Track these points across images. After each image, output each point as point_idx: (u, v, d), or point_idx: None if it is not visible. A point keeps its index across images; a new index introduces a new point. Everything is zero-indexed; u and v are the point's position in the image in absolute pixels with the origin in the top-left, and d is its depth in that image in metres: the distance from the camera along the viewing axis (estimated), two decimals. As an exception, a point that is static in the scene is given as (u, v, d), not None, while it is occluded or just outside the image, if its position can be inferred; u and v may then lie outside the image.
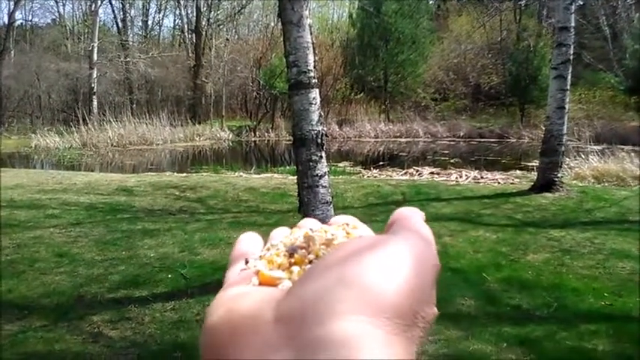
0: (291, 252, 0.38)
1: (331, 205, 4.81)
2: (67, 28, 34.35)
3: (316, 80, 4.95)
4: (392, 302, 0.30)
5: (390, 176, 12.83)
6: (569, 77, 9.25)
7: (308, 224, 0.45)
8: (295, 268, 0.37)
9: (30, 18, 38.24)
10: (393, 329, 0.30)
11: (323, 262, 0.34)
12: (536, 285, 5.02)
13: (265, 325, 0.31)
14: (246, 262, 0.40)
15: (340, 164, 15.83)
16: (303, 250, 0.38)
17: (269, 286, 0.36)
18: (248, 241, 0.45)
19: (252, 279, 0.38)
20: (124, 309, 4.48)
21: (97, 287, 4.98)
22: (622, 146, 14.97)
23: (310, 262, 0.37)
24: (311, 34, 4.96)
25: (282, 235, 0.43)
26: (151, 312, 4.42)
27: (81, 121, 22.05)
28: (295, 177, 5.47)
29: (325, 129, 5.02)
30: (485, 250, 6.07)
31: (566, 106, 9.30)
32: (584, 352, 3.77)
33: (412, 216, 0.39)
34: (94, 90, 24.85)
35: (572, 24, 9.21)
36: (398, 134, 24.87)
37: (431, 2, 35.79)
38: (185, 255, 5.91)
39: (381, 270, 0.31)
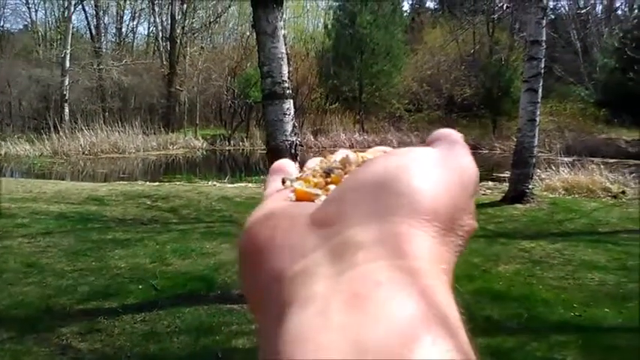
0: (328, 172, 0.38)
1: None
2: (40, 34, 33.88)
3: (290, 91, 4.96)
4: (432, 205, 0.30)
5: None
6: (540, 90, 9.39)
7: (343, 151, 0.44)
8: (332, 187, 0.36)
9: (1, 24, 37.79)
10: (432, 231, 0.29)
11: (359, 171, 0.34)
12: (507, 296, 5.07)
13: (302, 226, 0.31)
14: (283, 182, 0.40)
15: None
16: (340, 170, 0.38)
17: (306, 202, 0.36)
18: (283, 168, 0.44)
19: (289, 195, 0.37)
20: (93, 321, 4.42)
21: (66, 298, 4.89)
22: (592, 158, 15.22)
23: None
24: (285, 44, 4.97)
25: (317, 161, 0.43)
26: (121, 324, 4.36)
27: (52, 129, 21.74)
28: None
29: (300, 139, 5.02)
30: (457, 261, 6.09)
31: (537, 119, 9.44)
32: (554, 362, 3.81)
33: (452, 133, 0.38)
34: (66, 97, 24.52)
35: (544, 38, 9.37)
36: (372, 144, 24.21)
37: (405, 14, 36.14)
38: (156, 265, 5.85)
39: (421, 174, 0.31)
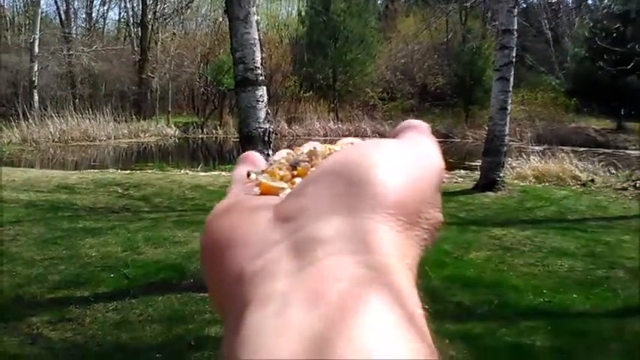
0: (294, 165, 0.37)
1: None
2: (7, 18, 33.15)
3: (263, 77, 4.93)
4: (396, 199, 0.29)
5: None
6: (512, 79, 9.48)
7: (311, 144, 0.43)
8: (298, 180, 0.36)
9: (-33, 8, 36.86)
10: (397, 225, 0.29)
11: (323, 164, 0.33)
12: (478, 282, 5.13)
13: (265, 221, 0.30)
14: (248, 176, 0.39)
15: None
16: (307, 163, 0.37)
17: (271, 195, 0.35)
18: (249, 162, 0.43)
19: (254, 189, 0.37)
20: (64, 309, 4.37)
21: (36, 287, 4.83)
22: (562, 147, 15.40)
23: None
24: (258, 30, 4.95)
25: (284, 153, 0.42)
26: (93, 312, 4.32)
27: (21, 116, 21.30)
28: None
29: (273, 127, 5.01)
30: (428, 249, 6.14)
31: (509, 107, 9.53)
32: (523, 347, 3.87)
33: (419, 124, 0.38)
34: (35, 84, 24.05)
35: (515, 27, 9.44)
36: (347, 133, 24.95)
37: (379, 2, 36.14)
38: (128, 254, 5.79)
39: (386, 167, 0.30)
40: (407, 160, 0.32)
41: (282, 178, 0.37)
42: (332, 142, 0.40)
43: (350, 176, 0.30)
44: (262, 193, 0.36)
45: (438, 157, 0.35)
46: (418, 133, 0.36)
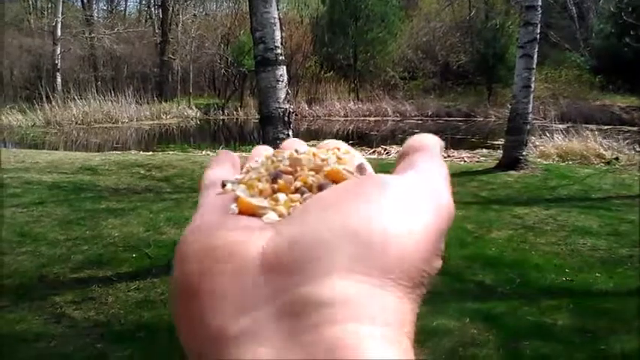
0: (275, 177, 0.33)
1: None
2: (30, 2, 33.39)
3: (283, 57, 4.91)
4: (403, 262, 0.26)
5: (359, 155, 12.81)
6: (536, 56, 9.33)
7: (294, 145, 0.39)
8: (281, 196, 0.32)
9: (-10, -8, 37.16)
10: (399, 291, 0.26)
11: (320, 201, 0.30)
12: (500, 262, 5.10)
13: (248, 269, 0.27)
14: (223, 186, 0.35)
15: (309, 143, 15.73)
16: (289, 176, 0.33)
17: (250, 216, 0.31)
18: (225, 163, 0.39)
19: (231, 206, 0.32)
20: (87, 289, 4.43)
21: (59, 267, 4.90)
22: (586, 125, 15.22)
23: (297, 189, 0.32)
24: (278, 10, 4.92)
25: (263, 156, 0.38)
26: (115, 292, 4.38)
27: (44, 99, 21.51)
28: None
29: (293, 107, 4.99)
30: (450, 228, 6.11)
31: (532, 85, 9.40)
32: (545, 326, 3.85)
33: (429, 147, 0.34)
34: (58, 66, 24.23)
35: (539, 3, 9.27)
36: (367, 113, 24.86)
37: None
38: (150, 234, 5.85)
39: (391, 224, 0.27)
40: (415, 208, 0.28)
41: (261, 192, 0.33)
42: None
43: (352, 232, 0.26)
44: (241, 212, 0.32)
45: (447, 197, 0.31)
46: (429, 159, 0.33)
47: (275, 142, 4.65)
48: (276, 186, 0.33)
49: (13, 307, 4.09)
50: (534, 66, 9.35)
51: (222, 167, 0.39)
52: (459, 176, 9.10)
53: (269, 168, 0.35)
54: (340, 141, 0.40)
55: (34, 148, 14.75)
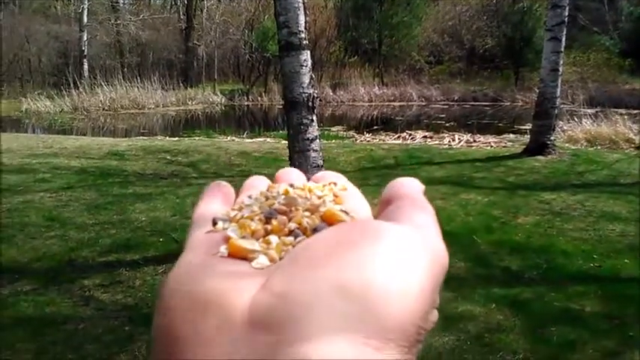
0: (268, 217, 0.32)
1: (322, 169, 4.79)
2: (57, -11, 33.75)
3: (307, 42, 4.88)
4: (400, 321, 0.25)
5: (384, 140, 12.79)
6: (564, 39, 9.17)
7: (289, 176, 0.39)
8: (273, 239, 0.31)
9: (18, -20, 37.53)
10: (396, 352, 0.24)
11: (313, 252, 0.28)
12: (526, 247, 5.05)
13: (235, 323, 0.25)
14: (214, 224, 0.34)
15: (333, 128, 15.73)
16: (283, 217, 0.32)
17: (240, 259, 0.30)
18: (217, 196, 0.38)
19: (221, 248, 0.31)
20: (115, 273, 4.50)
21: (87, 251, 4.98)
22: (615, 109, 14.94)
23: (291, 232, 0.31)
24: (302, -6, 4.88)
25: (257, 189, 0.37)
26: (142, 275, 4.43)
27: (72, 85, 21.78)
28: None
29: (317, 92, 4.97)
30: (476, 213, 6.08)
31: (560, 69, 9.25)
32: (572, 312, 3.81)
33: (414, 193, 0.33)
34: (85, 53, 24.50)
35: (568, -15, 9.10)
36: (392, 98, 24.71)
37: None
38: (177, 219, 5.90)
39: (390, 275, 0.25)
40: (412, 262, 0.27)
41: (253, 233, 0.32)
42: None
43: (345, 285, 0.25)
44: (230, 255, 0.30)
45: (441, 246, 0.30)
46: (420, 210, 0.32)
47: (299, 127, 4.65)
48: (269, 227, 0.32)
49: (43, 290, 4.17)
50: (562, 49, 9.19)
51: (214, 200, 0.38)
52: (485, 161, 9.02)
53: (263, 206, 0.34)
54: (339, 174, 0.38)
55: (62, 134, 14.95)
